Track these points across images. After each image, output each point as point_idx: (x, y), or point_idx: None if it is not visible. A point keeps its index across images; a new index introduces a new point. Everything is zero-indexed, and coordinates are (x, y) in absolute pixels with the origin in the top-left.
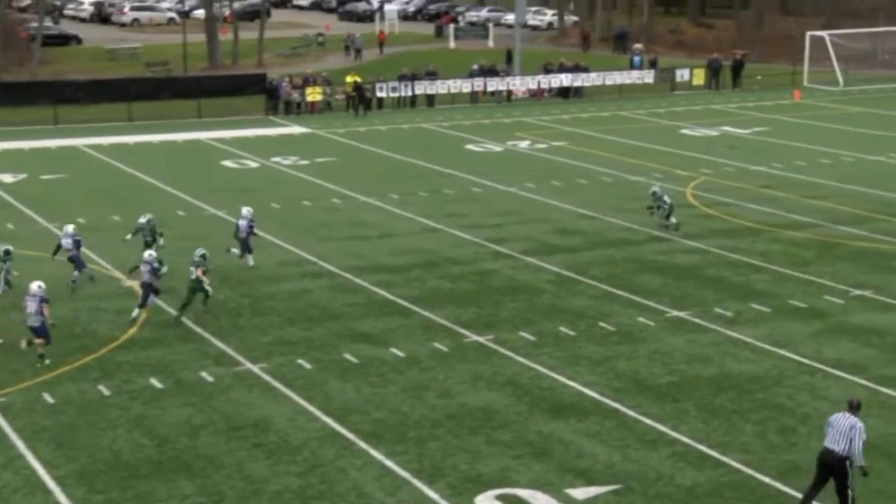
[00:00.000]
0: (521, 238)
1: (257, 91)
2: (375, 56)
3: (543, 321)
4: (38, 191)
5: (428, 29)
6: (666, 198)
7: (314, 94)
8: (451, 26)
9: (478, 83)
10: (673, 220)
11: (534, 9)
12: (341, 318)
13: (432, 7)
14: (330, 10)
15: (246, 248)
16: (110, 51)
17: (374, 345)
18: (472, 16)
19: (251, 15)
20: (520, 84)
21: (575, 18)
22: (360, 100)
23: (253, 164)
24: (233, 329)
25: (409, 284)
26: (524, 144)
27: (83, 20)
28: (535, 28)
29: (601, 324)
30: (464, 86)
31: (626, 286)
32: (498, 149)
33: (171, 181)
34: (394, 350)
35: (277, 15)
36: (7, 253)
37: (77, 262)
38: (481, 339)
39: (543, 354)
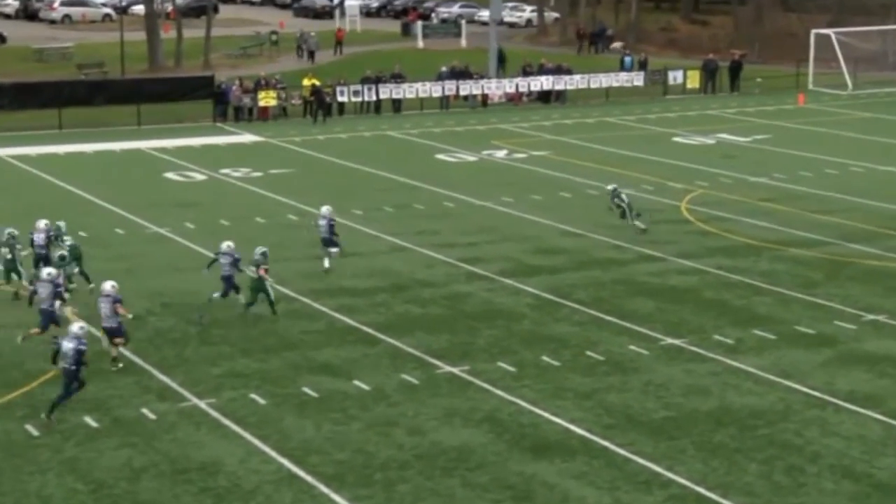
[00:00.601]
0: (497, 258)
1: (204, 95)
2: (333, 56)
3: (524, 350)
4: None
5: (394, 26)
6: (623, 196)
7: (267, 99)
8: (420, 24)
9: (449, 86)
10: (638, 223)
11: (510, 4)
12: (299, 348)
13: (398, 2)
14: (284, 6)
15: (331, 244)
16: (38, 51)
17: (336, 377)
18: (443, 12)
19: (196, 11)
20: (495, 87)
21: (556, 15)
22: (319, 105)
23: (199, 177)
24: (178, 360)
25: (374, 310)
26: (501, 154)
27: (7, 16)
28: (512, 25)
29: (588, 353)
30: (434, 89)
31: (616, 311)
32: (472, 159)
33: (108, 195)
34: (358, 382)
35: (226, 11)
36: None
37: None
38: (455, 371)
39: (524, 387)
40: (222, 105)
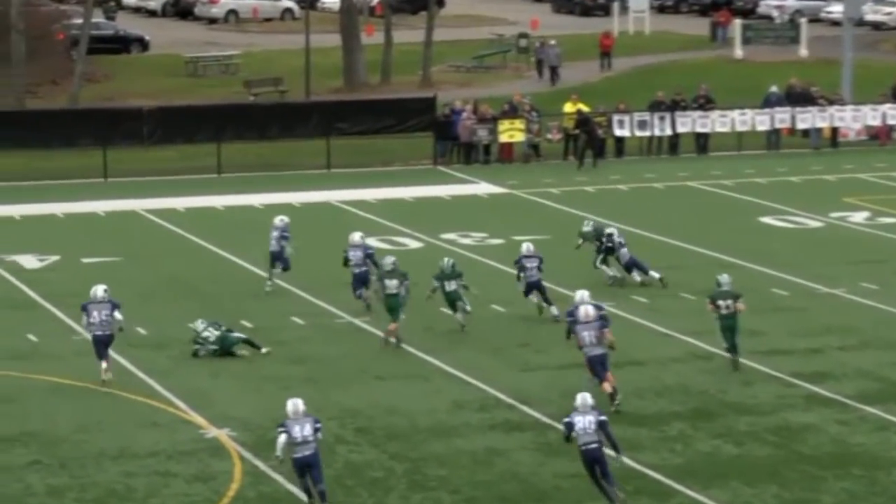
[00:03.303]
0: (854, 373)
1: (421, 126)
2: (599, 73)
3: None
4: (75, 282)
5: (698, 27)
6: (616, 237)
7: (512, 132)
8: (737, 24)
9: (781, 116)
10: (639, 275)
11: None
12: (552, 499)
13: None
14: None
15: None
16: (192, 61)
17: None
18: (773, 6)
19: (412, 5)
20: (852, 118)
21: None
22: (589, 142)
23: (412, 243)
24: None
25: (665, 446)
26: (859, 217)
27: (152, 13)
28: (877, 27)
29: None
30: (758, 120)
31: None
32: (815, 224)
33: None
34: None
35: (453, 5)
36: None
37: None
38: None
39: None
40: (447, 140)
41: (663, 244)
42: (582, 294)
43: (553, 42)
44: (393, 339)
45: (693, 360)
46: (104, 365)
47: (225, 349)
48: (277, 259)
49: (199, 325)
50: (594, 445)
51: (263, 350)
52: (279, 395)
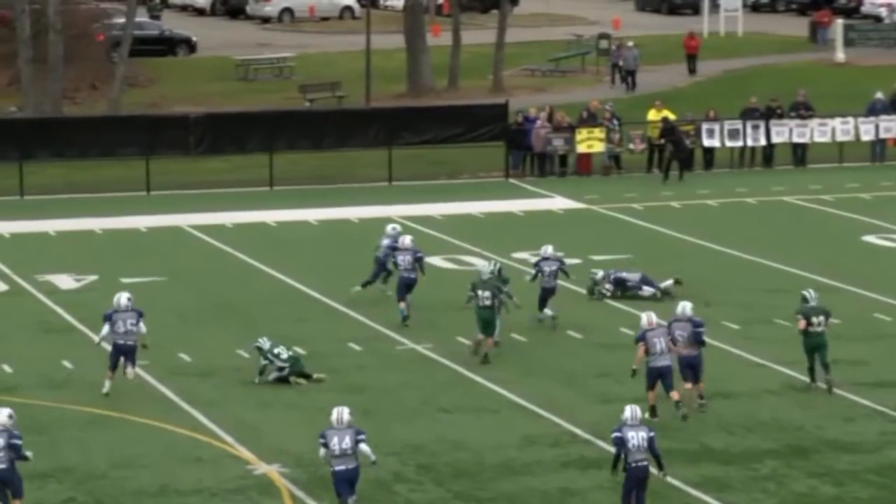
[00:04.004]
0: None
1: (492, 135)
2: (687, 78)
3: None
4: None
5: (796, 27)
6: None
7: (591, 142)
8: (839, 24)
9: (886, 125)
10: (548, 311)
11: None
12: None
13: None
14: None
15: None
16: (242, 64)
17: None
18: (878, 5)
19: (483, 3)
20: None
21: None
22: (675, 152)
23: (481, 263)
24: None
25: (757, 486)
26: None
27: (200, 12)
28: None
29: None
30: (863, 129)
31: None
32: None
33: (337, 288)
34: None
35: (528, 2)
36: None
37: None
38: None
39: None
40: (520, 150)
41: (756, 265)
42: (684, 305)
43: (631, 43)
44: (484, 351)
45: (789, 393)
46: (109, 375)
47: (295, 370)
48: (383, 268)
49: (265, 342)
50: (644, 463)
51: (315, 376)
52: None
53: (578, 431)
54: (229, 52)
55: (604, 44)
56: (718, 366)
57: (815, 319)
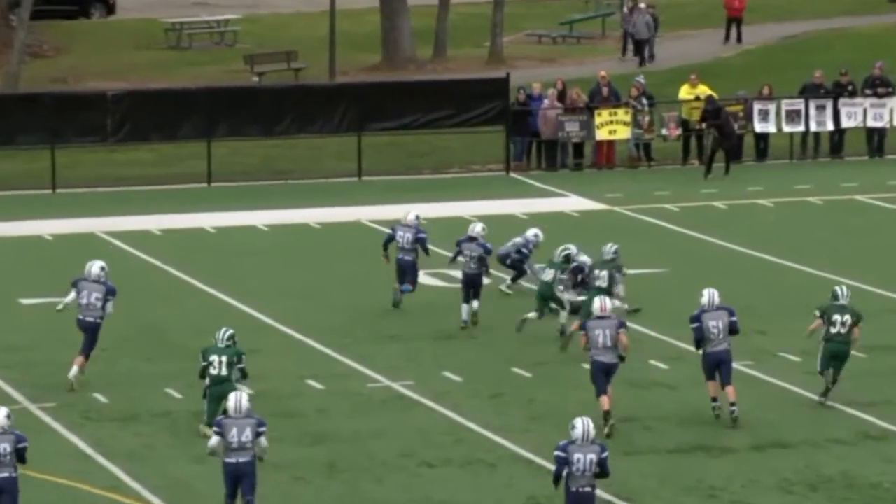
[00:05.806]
0: None
1: (487, 118)
2: (725, 48)
3: None
4: (9, 332)
5: None
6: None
7: (612, 127)
8: None
9: None
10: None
11: None
12: None
13: None
14: None
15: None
16: (174, 28)
17: None
18: None
19: None
20: None
21: None
22: (720, 140)
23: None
24: None
25: None
26: None
27: None
28: None
29: None
30: None
31: None
32: None
33: (294, 311)
34: None
35: None
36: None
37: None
38: None
39: None
40: (523, 137)
41: (820, 280)
42: (711, 293)
43: (643, 5)
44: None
45: (862, 442)
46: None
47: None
48: (407, 272)
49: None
50: (588, 489)
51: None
52: (290, 488)
53: (598, 491)
54: (157, 14)
55: (629, 4)
56: (774, 408)
57: (836, 318)
